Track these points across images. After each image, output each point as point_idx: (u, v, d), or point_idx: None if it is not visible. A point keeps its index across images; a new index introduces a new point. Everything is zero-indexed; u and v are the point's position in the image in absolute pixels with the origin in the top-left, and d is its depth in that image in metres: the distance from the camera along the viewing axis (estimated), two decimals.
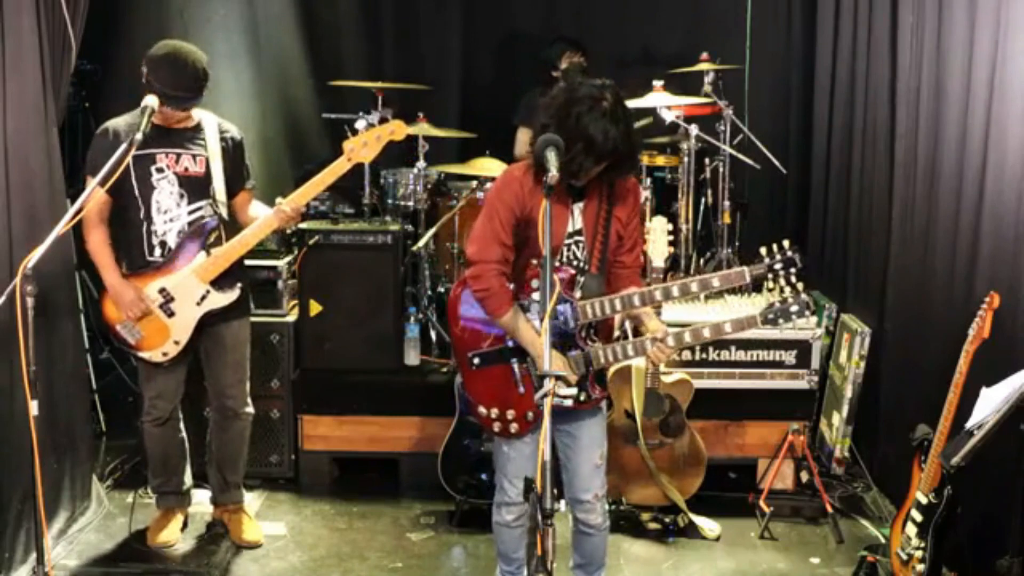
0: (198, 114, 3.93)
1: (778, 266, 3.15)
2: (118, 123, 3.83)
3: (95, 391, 5.02)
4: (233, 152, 3.99)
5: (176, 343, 3.90)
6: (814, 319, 4.64)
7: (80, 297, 4.63)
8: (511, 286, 3.19)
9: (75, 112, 5.42)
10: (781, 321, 3.19)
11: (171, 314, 3.87)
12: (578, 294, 3.19)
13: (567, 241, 3.20)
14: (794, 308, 3.17)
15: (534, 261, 3.17)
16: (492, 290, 3.13)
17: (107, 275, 3.86)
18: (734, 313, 4.65)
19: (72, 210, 3.46)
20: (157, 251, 3.86)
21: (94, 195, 3.70)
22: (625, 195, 3.24)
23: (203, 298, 3.88)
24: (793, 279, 3.16)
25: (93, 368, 4.96)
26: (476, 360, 3.29)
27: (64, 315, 4.21)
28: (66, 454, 4.20)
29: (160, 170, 3.84)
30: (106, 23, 4.97)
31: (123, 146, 3.63)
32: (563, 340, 3.19)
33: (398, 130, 3.88)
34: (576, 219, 3.20)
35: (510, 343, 3.24)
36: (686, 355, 4.55)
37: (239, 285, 3.97)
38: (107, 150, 3.66)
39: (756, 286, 5.13)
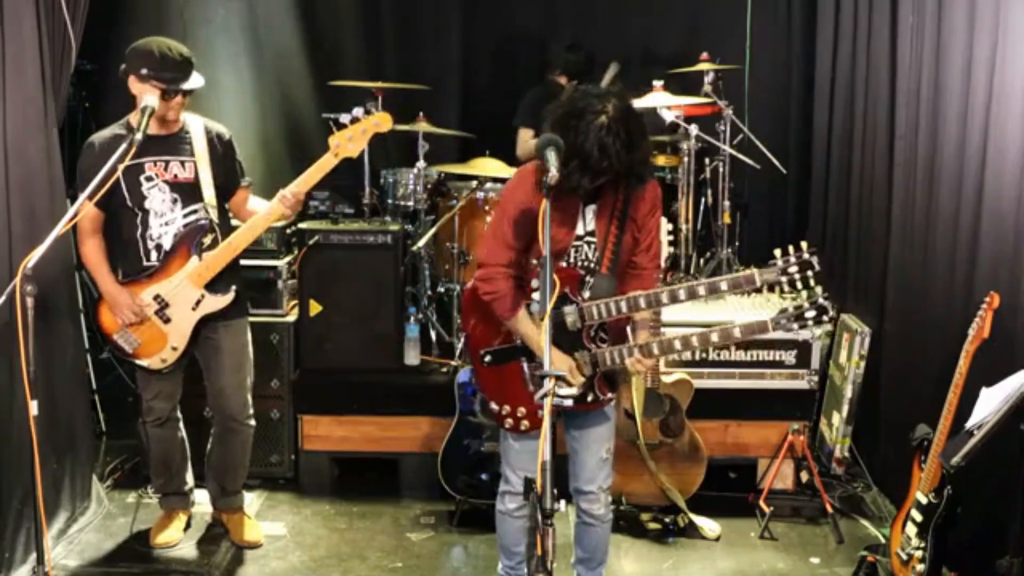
0: (183, 117, 3.90)
1: (792, 269, 2.95)
2: (103, 136, 3.81)
3: (95, 391, 5.02)
4: (223, 151, 3.95)
5: (174, 349, 3.89)
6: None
7: (80, 297, 4.64)
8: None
9: (75, 112, 5.42)
10: (795, 327, 3.02)
11: (167, 320, 3.86)
12: (587, 294, 3.16)
13: (576, 243, 3.17)
14: (810, 313, 2.99)
15: (534, 261, 3.15)
16: (500, 292, 3.14)
17: (102, 282, 3.84)
18: (740, 313, 4.66)
19: (72, 210, 3.46)
20: (153, 255, 3.84)
21: (85, 209, 3.68)
22: (642, 196, 3.18)
23: (198, 303, 3.86)
24: (811, 281, 2.95)
25: (93, 368, 4.96)
26: (487, 357, 3.30)
27: (64, 315, 4.21)
28: (66, 454, 4.20)
29: (149, 179, 3.81)
30: (106, 23, 4.97)
31: (123, 146, 3.61)
32: (571, 340, 3.17)
33: (383, 122, 3.82)
34: (588, 221, 3.17)
35: (519, 342, 3.24)
36: (686, 355, 4.54)
37: (234, 288, 3.94)
38: (94, 164, 3.61)
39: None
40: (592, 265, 3.19)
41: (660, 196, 3.30)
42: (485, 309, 3.24)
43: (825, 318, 3.00)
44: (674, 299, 3.07)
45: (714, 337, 3.10)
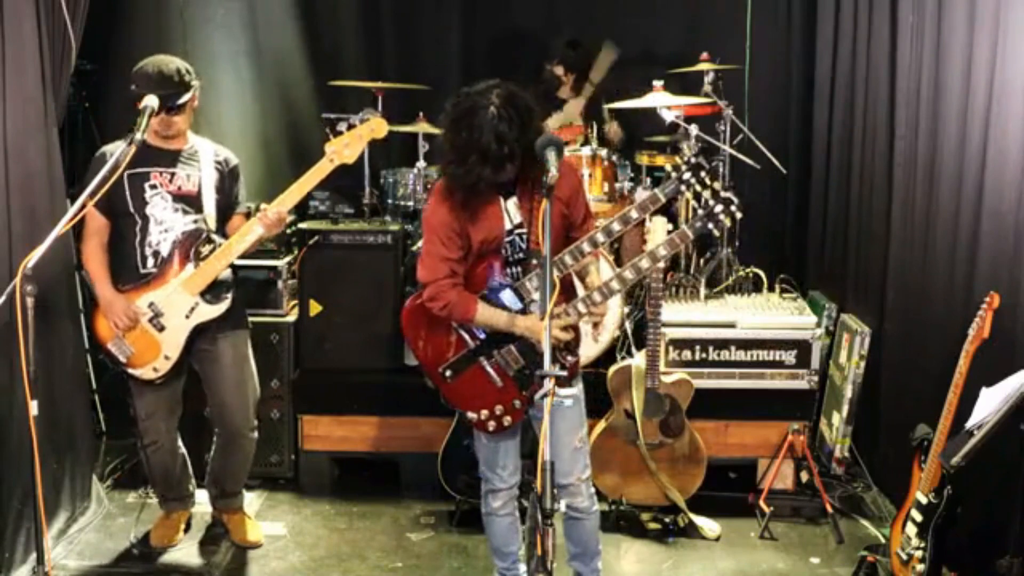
0: (193, 138, 3.94)
1: (687, 175, 3.14)
2: (115, 147, 3.80)
3: (95, 391, 5.02)
4: (228, 177, 3.98)
5: (167, 358, 3.88)
6: (813, 318, 4.65)
7: (80, 297, 4.63)
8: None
9: (75, 112, 5.41)
10: (711, 226, 3.21)
11: (161, 328, 3.85)
12: (533, 282, 3.24)
13: (508, 237, 3.24)
14: (718, 208, 3.18)
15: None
16: (452, 302, 3.22)
17: (99, 286, 3.84)
18: (741, 313, 4.66)
19: (72, 210, 3.46)
20: (150, 262, 3.84)
21: (90, 213, 3.72)
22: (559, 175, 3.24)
23: (192, 310, 3.86)
24: (707, 181, 3.14)
25: (93, 368, 4.95)
26: (448, 372, 3.36)
27: (64, 315, 4.21)
28: (66, 454, 4.20)
29: (153, 187, 3.83)
30: (106, 23, 4.97)
31: (122, 147, 3.62)
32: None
33: (379, 128, 3.85)
34: (513, 215, 3.24)
35: (472, 344, 3.31)
36: (686, 355, 4.55)
37: (229, 297, 3.93)
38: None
39: (755, 285, 5.15)
40: (522, 256, 3.27)
41: (577, 171, 3.41)
42: (429, 325, 3.33)
43: (733, 208, 3.18)
44: (594, 244, 3.21)
45: (643, 263, 3.27)
